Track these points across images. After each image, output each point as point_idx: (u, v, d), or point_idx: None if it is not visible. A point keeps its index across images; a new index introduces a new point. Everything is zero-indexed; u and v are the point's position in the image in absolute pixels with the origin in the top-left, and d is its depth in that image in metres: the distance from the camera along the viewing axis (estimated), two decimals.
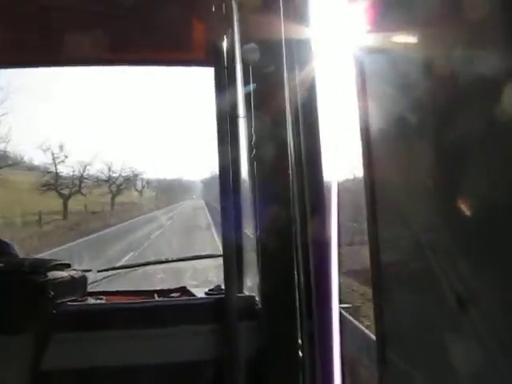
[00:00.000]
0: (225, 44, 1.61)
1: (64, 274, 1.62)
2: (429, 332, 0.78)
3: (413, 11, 0.78)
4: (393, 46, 0.81)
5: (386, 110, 0.82)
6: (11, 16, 1.66)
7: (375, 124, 0.83)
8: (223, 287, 1.64)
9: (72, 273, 1.65)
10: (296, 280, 1.30)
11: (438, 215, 0.75)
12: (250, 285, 1.77)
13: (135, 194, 26.26)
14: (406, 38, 0.78)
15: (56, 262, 1.63)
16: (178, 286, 1.84)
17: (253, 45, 1.23)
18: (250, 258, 1.73)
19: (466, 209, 0.68)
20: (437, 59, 0.73)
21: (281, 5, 1.15)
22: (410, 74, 0.78)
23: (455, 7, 0.71)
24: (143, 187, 26.72)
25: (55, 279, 1.56)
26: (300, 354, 1.31)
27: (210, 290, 1.75)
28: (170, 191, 31.84)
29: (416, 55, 0.78)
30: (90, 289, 1.75)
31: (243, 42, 1.45)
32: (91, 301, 1.69)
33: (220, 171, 1.54)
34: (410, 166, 0.80)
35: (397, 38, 0.80)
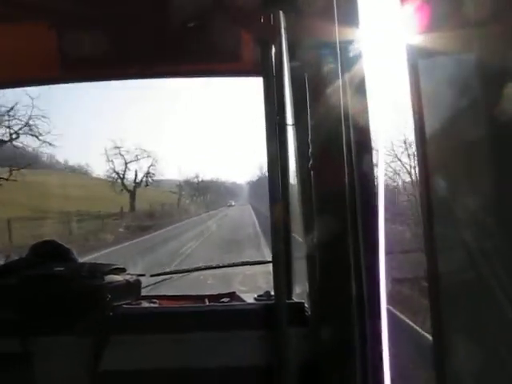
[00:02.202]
0: (273, 53, 1.63)
1: (120, 278, 1.69)
2: (487, 338, 0.76)
3: (467, 9, 0.77)
4: (447, 45, 0.80)
5: (441, 110, 0.81)
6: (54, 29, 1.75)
7: (431, 127, 0.83)
8: (272, 293, 1.66)
9: (127, 277, 1.72)
10: (347, 288, 1.29)
11: (498, 219, 0.73)
12: (299, 291, 1.77)
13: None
14: (461, 37, 0.77)
15: (112, 267, 1.70)
16: (227, 291, 1.87)
17: (306, 52, 1.25)
18: (299, 264, 1.74)
19: None
20: (494, 58, 0.72)
21: (333, 9, 1.16)
22: (465, 72, 0.77)
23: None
24: (138, 183, 18.59)
25: (111, 283, 1.63)
26: (352, 361, 1.30)
27: (259, 296, 1.77)
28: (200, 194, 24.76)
29: (472, 53, 0.77)
30: (143, 293, 1.80)
31: (292, 49, 1.48)
32: (145, 304, 1.74)
33: (269, 178, 1.56)
34: (467, 169, 0.79)
35: (452, 37, 0.79)
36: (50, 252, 1.75)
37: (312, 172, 1.32)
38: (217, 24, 1.78)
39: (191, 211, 21.68)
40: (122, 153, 19.14)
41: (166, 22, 1.72)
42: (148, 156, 19.91)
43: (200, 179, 24.72)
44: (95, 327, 1.56)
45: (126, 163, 19.37)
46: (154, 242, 12.40)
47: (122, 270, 1.74)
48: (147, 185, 19.75)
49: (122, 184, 19.16)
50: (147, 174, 19.85)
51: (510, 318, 0.69)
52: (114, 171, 19.21)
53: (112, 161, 19.15)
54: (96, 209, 16.15)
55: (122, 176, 19.21)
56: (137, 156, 19.66)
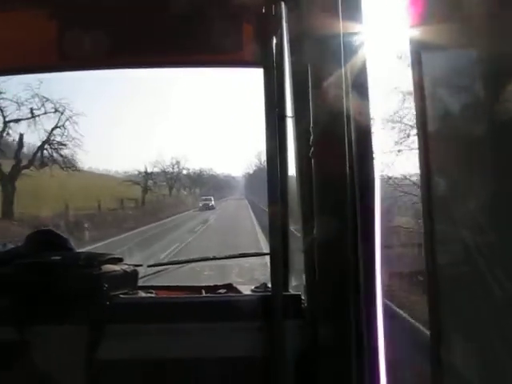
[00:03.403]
0: (274, 44, 1.62)
1: (117, 267, 1.68)
2: (485, 333, 0.77)
3: (471, 2, 0.77)
4: (451, 39, 0.80)
5: (444, 107, 0.81)
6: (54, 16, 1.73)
7: (433, 122, 0.83)
8: (269, 285, 1.66)
9: (124, 267, 1.72)
10: (344, 280, 1.30)
11: (497, 216, 0.73)
12: (296, 284, 1.78)
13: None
14: (465, 31, 0.77)
15: (109, 256, 1.70)
16: (224, 282, 1.87)
17: (308, 44, 1.25)
18: (296, 256, 1.74)
19: None
20: (499, 55, 0.72)
21: (336, 1, 1.16)
22: (469, 70, 0.77)
23: None
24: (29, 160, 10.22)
25: (109, 273, 1.63)
26: (348, 353, 1.30)
27: (256, 288, 1.77)
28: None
29: (475, 51, 0.77)
30: (140, 283, 1.81)
31: (293, 41, 1.47)
32: (142, 294, 1.74)
33: (268, 170, 1.56)
34: (469, 166, 0.79)
35: (455, 31, 0.78)
36: (47, 241, 1.74)
37: (312, 160, 1.32)
38: (218, 14, 1.76)
39: (155, 214, 13.59)
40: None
41: (167, 12, 1.71)
42: (56, 111, 10.82)
43: (181, 168, 16.98)
44: (92, 316, 1.56)
45: (5, 122, 10.06)
46: None
47: (119, 260, 1.74)
48: (44, 164, 10.85)
49: None
50: (46, 142, 10.21)
51: (507, 313, 0.69)
52: None
53: None
54: None
55: None
56: (32, 110, 10.35)
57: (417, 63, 0.83)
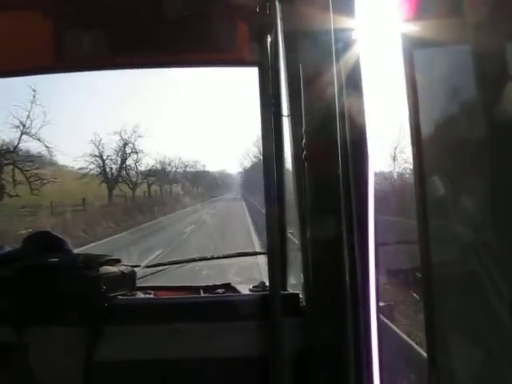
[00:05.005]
0: (269, 43, 1.62)
1: (114, 269, 1.68)
2: (479, 334, 0.76)
3: (466, 2, 0.76)
4: (444, 36, 0.79)
5: (436, 104, 0.81)
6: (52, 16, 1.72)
7: (426, 119, 0.82)
8: (267, 284, 1.66)
9: (122, 268, 1.72)
10: (342, 278, 1.30)
11: (493, 216, 0.73)
12: (294, 282, 1.78)
13: None
14: (458, 28, 0.76)
15: (107, 258, 1.70)
16: (222, 282, 1.87)
17: (301, 42, 1.24)
18: (293, 255, 1.74)
19: None
20: (491, 53, 0.71)
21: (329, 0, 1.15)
22: (462, 67, 0.77)
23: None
24: None
25: (106, 274, 1.63)
26: (345, 351, 1.30)
27: (254, 287, 1.77)
28: None
29: (469, 47, 0.76)
30: (138, 284, 1.80)
31: (288, 40, 1.46)
32: (140, 295, 1.74)
33: (264, 169, 1.56)
34: (463, 164, 0.78)
35: (448, 28, 0.78)
36: (44, 243, 1.74)
37: (306, 163, 1.32)
38: (213, 14, 1.76)
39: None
40: None
41: (161, 12, 1.70)
42: None
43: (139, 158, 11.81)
44: (90, 318, 1.56)
45: None
46: None
47: (116, 261, 1.74)
48: None
49: None
50: None
51: (502, 314, 0.69)
52: None
53: None
54: None
55: None
56: None
57: (409, 60, 0.83)
